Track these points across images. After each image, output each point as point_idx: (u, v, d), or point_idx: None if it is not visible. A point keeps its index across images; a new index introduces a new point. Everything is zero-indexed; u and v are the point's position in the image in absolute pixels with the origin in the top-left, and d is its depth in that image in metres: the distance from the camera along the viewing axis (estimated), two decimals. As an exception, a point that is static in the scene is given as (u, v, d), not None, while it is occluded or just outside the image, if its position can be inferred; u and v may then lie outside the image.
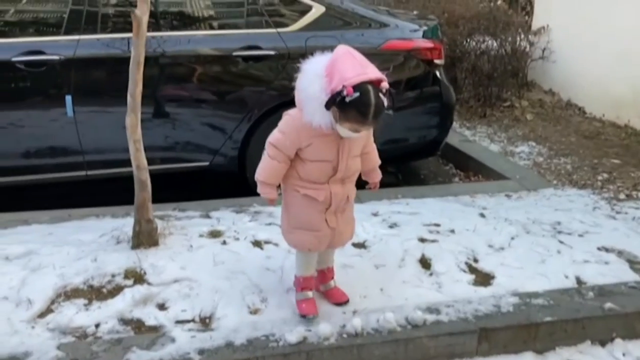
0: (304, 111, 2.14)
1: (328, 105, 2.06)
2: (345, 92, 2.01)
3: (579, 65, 6.27)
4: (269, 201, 2.34)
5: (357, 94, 2.01)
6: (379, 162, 2.48)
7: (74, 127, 3.57)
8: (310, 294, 2.44)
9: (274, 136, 2.25)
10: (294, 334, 2.30)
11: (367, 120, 2.08)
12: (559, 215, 3.56)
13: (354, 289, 2.59)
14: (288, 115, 2.25)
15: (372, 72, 2.08)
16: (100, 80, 3.63)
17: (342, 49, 2.12)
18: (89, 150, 3.65)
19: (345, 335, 2.35)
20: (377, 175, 2.51)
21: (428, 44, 4.18)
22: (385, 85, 2.08)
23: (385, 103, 2.07)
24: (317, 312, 2.40)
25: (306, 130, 2.17)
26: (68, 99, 3.51)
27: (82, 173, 3.69)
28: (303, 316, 2.39)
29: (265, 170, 2.28)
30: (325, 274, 2.54)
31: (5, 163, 3.57)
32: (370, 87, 2.04)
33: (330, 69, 2.07)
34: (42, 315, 2.37)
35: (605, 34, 5.86)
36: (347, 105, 2.03)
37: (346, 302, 2.51)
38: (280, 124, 2.26)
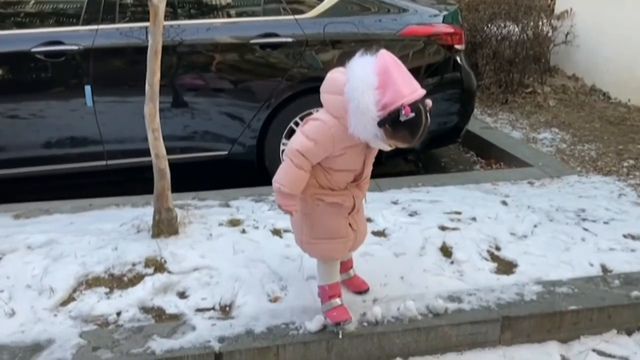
0: (350, 122, 1.94)
1: (382, 123, 1.90)
2: (403, 112, 1.87)
3: (604, 49, 6.13)
4: (289, 213, 2.16)
5: (412, 114, 1.88)
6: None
7: (94, 117, 3.59)
8: (338, 300, 2.30)
9: (302, 144, 2.04)
10: (314, 322, 2.29)
11: (414, 140, 1.97)
12: (583, 203, 3.49)
13: (374, 278, 2.56)
14: (320, 122, 2.04)
15: (419, 87, 1.96)
16: (119, 70, 3.63)
17: (388, 56, 1.95)
18: (108, 140, 3.67)
19: (365, 324, 2.33)
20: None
21: (448, 29, 4.10)
22: (429, 103, 1.98)
23: (429, 122, 1.98)
24: (350, 317, 2.27)
25: (342, 141, 2.02)
26: (87, 89, 3.52)
27: (102, 163, 3.71)
28: (337, 324, 2.26)
29: (291, 180, 2.07)
30: (344, 264, 2.49)
31: (27, 153, 3.60)
32: (422, 107, 1.93)
33: (383, 80, 1.90)
34: (64, 303, 2.39)
35: (631, 16, 5.71)
36: (399, 124, 1.90)
37: (366, 290, 2.49)
38: (309, 130, 2.05)
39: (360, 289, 2.49)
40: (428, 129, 1.98)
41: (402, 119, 1.88)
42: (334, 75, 2.04)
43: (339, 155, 2.08)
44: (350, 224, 2.25)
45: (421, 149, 4.66)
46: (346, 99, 1.94)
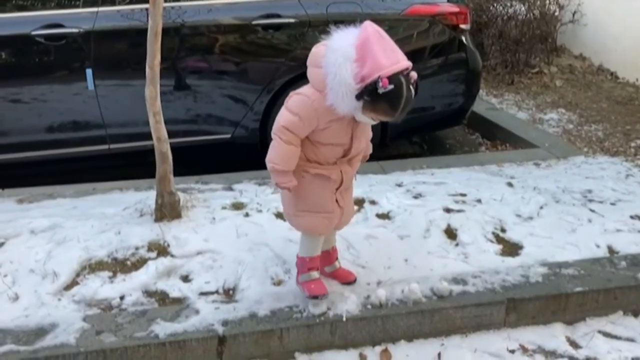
0: (329, 95, 1.93)
1: (360, 96, 1.89)
2: (380, 84, 1.84)
3: (612, 28, 6.04)
4: (289, 190, 2.13)
5: (391, 87, 1.85)
6: (371, 135, 2.31)
7: (96, 101, 3.56)
8: (316, 274, 2.29)
9: (287, 119, 2.03)
10: (317, 305, 2.28)
11: (395, 113, 1.94)
12: (589, 184, 3.46)
13: (378, 260, 2.55)
14: (302, 96, 2.04)
15: (402, 59, 1.92)
16: (121, 53, 3.59)
17: (371, 28, 1.92)
18: (111, 123, 3.65)
19: (369, 307, 2.32)
20: (369, 149, 2.33)
21: (453, 8, 4.05)
22: (414, 76, 1.95)
23: (413, 94, 1.95)
24: (327, 291, 2.26)
25: (326, 114, 1.99)
26: (89, 72, 3.49)
27: (105, 147, 3.69)
28: (314, 297, 2.25)
29: (283, 156, 2.06)
30: (330, 255, 2.43)
31: (29, 138, 3.58)
32: (403, 80, 1.89)
33: (362, 52, 1.88)
34: (67, 287, 2.39)
35: (640, -6, 5.62)
36: (378, 96, 1.87)
37: (354, 281, 2.43)
38: (292, 104, 2.05)
39: (348, 280, 2.43)
40: (412, 103, 1.96)
41: (380, 91, 1.85)
42: (317, 49, 2.01)
43: (324, 128, 2.05)
44: (337, 200, 2.21)
45: (426, 130, 4.64)
46: (324, 72, 1.92)
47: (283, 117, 2.05)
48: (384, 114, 1.97)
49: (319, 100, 1.99)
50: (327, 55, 1.92)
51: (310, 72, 2.04)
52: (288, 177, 2.10)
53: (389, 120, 2.02)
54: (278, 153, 2.07)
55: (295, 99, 2.06)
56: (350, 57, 1.88)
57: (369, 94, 1.88)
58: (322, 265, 2.38)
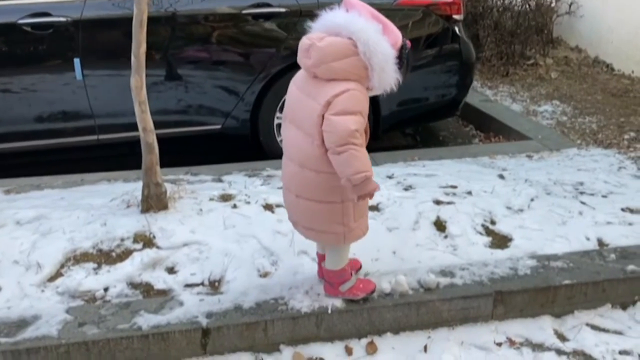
0: (373, 76, 1.86)
1: (400, 63, 1.86)
2: (407, 45, 1.86)
3: (608, 20, 6.00)
4: (371, 196, 1.99)
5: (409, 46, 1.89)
6: None
7: (84, 91, 3.53)
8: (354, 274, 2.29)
9: (355, 121, 1.86)
10: (303, 297, 2.26)
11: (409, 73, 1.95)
12: (581, 176, 3.43)
13: (365, 252, 2.52)
14: (351, 91, 1.88)
15: None
16: (109, 42, 3.55)
17: (356, 1, 1.91)
18: (99, 114, 3.61)
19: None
20: None
21: (447, -2, 4.01)
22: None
23: None
24: (375, 284, 2.28)
25: (367, 100, 1.94)
26: (77, 61, 3.45)
27: (94, 137, 3.66)
28: (372, 292, 2.27)
29: (365, 162, 1.89)
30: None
31: (17, 128, 3.55)
32: None
33: (379, 22, 1.86)
34: (51, 279, 2.36)
35: (636, -15, 5.57)
36: (405, 58, 1.88)
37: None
38: (348, 105, 1.87)
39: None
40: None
41: (406, 52, 1.88)
42: (329, 40, 1.89)
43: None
44: None
45: (419, 122, 4.62)
46: (366, 55, 1.85)
47: (348, 122, 1.86)
48: (404, 76, 1.93)
49: (362, 89, 1.92)
50: (360, 38, 1.84)
51: (340, 66, 1.89)
52: (374, 182, 1.95)
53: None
54: (363, 160, 1.89)
55: (346, 99, 1.88)
56: (379, 29, 1.85)
57: (400, 58, 1.88)
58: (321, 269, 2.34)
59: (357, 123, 1.88)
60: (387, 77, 1.88)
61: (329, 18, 1.93)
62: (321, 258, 2.32)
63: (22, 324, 2.12)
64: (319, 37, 1.92)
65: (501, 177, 3.39)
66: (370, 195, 1.98)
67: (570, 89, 5.47)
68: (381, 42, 1.84)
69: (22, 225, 2.67)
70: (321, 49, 1.89)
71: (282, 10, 3.68)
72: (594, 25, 6.23)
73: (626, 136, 4.23)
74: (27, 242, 2.53)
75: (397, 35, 1.86)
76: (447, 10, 4.02)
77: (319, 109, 1.90)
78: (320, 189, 2.00)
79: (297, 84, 2.06)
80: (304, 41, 1.95)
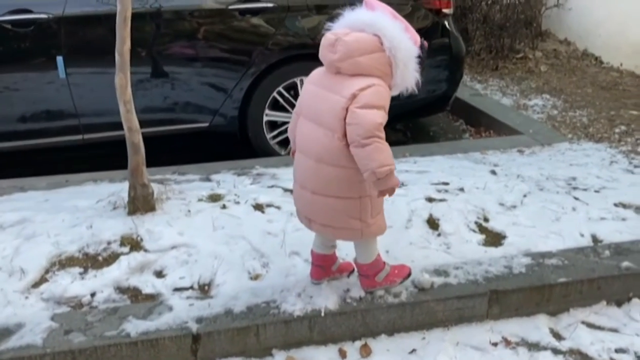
0: (397, 74, 1.90)
1: (421, 60, 1.92)
2: (425, 43, 1.91)
3: (596, 13, 5.99)
4: (392, 192, 1.98)
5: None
6: None
7: (68, 89, 3.44)
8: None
9: (379, 115, 1.87)
10: (296, 300, 2.21)
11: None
12: (574, 171, 3.41)
13: (358, 252, 2.48)
14: (375, 86, 1.89)
15: None
16: (92, 40, 3.45)
17: (375, 1, 1.96)
18: (84, 113, 3.53)
19: (349, 300, 2.26)
20: None
21: (436, -8, 3.96)
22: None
23: None
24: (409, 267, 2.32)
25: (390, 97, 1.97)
26: (59, 59, 3.36)
27: (79, 137, 3.58)
28: (409, 275, 2.30)
29: (389, 155, 1.90)
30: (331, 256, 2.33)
31: (0, 128, 3.46)
32: None
33: (401, 21, 1.91)
34: (35, 285, 2.29)
35: (624, -23, 5.56)
36: (424, 56, 1.93)
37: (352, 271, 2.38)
38: (372, 100, 1.87)
39: (351, 269, 2.38)
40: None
41: (424, 50, 1.93)
42: (356, 36, 1.89)
43: None
44: None
45: (409, 118, 4.57)
46: (392, 52, 1.88)
47: (372, 116, 1.86)
48: (420, 74, 1.96)
49: (385, 86, 1.94)
50: (385, 34, 1.87)
51: (367, 61, 1.89)
52: (395, 177, 1.95)
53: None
54: (386, 153, 1.89)
55: (370, 93, 1.88)
56: (402, 27, 1.90)
57: (420, 57, 1.92)
58: (328, 265, 2.31)
59: (382, 117, 1.89)
60: (409, 75, 1.92)
61: (353, 16, 1.95)
62: (317, 258, 2.27)
63: (5, 332, 2.05)
64: (344, 32, 1.92)
65: (493, 172, 3.36)
66: (392, 191, 1.97)
67: (560, 82, 5.46)
68: (405, 39, 1.89)
69: (5, 230, 2.59)
70: (349, 43, 1.90)
71: (270, 5, 3.61)
72: (582, 18, 6.22)
73: (617, 130, 4.22)
74: (10, 247, 2.46)
75: (416, 35, 1.92)
76: (437, 4, 3.98)
77: (344, 101, 1.90)
78: (338, 185, 1.99)
79: (313, 81, 2.05)
80: (329, 36, 1.95)
